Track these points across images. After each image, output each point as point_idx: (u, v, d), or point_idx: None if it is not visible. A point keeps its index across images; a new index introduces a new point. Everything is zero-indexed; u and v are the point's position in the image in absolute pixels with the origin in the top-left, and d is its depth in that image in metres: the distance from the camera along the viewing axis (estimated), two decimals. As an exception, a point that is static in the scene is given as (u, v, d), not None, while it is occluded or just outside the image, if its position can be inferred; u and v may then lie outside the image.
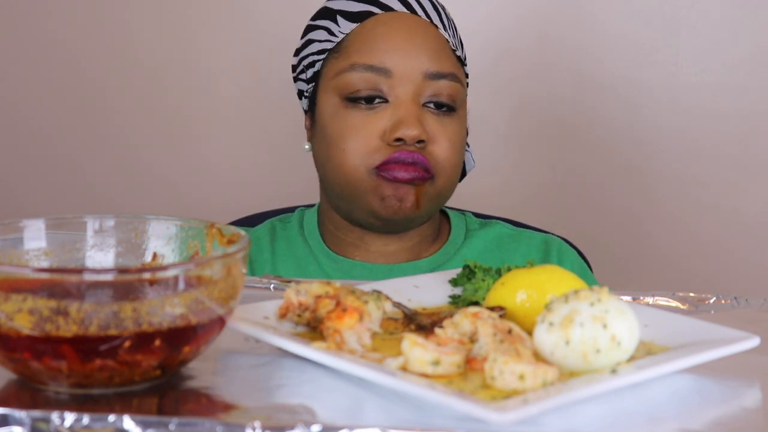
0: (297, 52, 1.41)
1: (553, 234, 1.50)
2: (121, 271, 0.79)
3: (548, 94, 2.04)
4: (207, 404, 0.77)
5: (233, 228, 0.87)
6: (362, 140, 1.30)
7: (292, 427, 0.71)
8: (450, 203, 1.41)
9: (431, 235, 1.42)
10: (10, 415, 0.73)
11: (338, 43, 1.34)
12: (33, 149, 2.15)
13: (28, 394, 0.77)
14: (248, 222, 1.57)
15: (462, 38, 1.40)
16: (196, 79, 2.11)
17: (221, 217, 1.62)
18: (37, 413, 0.73)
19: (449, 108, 1.33)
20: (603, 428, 0.73)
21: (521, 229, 1.48)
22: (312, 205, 1.49)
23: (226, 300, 0.80)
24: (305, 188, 1.77)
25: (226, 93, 2.11)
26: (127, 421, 0.72)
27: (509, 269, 1.00)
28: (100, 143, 2.14)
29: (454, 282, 1.03)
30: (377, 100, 1.31)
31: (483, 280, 1.00)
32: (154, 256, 0.91)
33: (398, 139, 1.29)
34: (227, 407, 0.76)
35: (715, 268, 2.03)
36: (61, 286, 0.74)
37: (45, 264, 0.88)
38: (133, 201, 2.12)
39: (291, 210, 1.51)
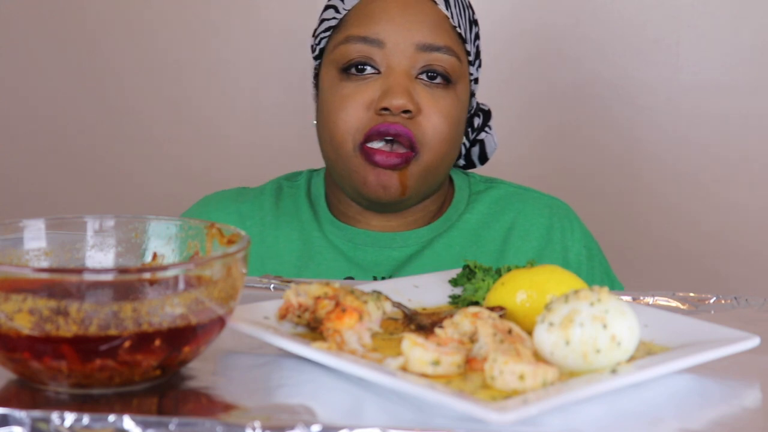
0: (313, 32, 1.42)
1: (558, 199, 1.46)
2: (121, 271, 0.79)
3: (548, 94, 2.04)
4: (207, 404, 0.77)
5: (233, 228, 0.87)
6: (351, 110, 1.30)
7: (292, 427, 0.71)
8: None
9: (435, 210, 1.41)
10: (10, 415, 0.73)
11: (340, 20, 1.36)
12: (32, 149, 2.15)
13: (28, 394, 0.77)
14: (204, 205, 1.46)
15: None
16: (200, 79, 2.11)
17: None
18: (37, 413, 0.73)
19: (444, 80, 1.31)
20: (603, 428, 0.73)
21: (527, 188, 1.46)
22: (318, 170, 1.47)
23: (226, 300, 0.80)
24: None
25: (230, 93, 2.11)
26: (127, 421, 0.72)
27: (509, 269, 1.00)
28: (100, 143, 2.14)
29: (454, 282, 1.03)
30: (369, 70, 1.31)
31: (483, 280, 1.00)
32: (154, 256, 0.91)
33: (384, 109, 1.28)
34: (227, 407, 0.76)
35: (715, 267, 2.03)
36: (61, 286, 0.74)
37: (45, 264, 0.88)
38: (134, 201, 2.12)
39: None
